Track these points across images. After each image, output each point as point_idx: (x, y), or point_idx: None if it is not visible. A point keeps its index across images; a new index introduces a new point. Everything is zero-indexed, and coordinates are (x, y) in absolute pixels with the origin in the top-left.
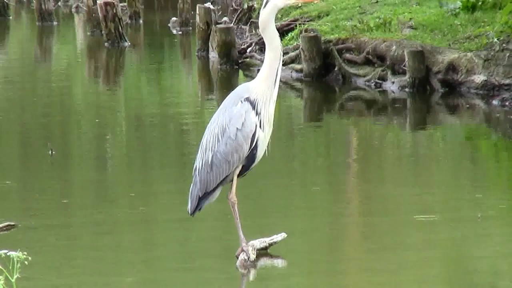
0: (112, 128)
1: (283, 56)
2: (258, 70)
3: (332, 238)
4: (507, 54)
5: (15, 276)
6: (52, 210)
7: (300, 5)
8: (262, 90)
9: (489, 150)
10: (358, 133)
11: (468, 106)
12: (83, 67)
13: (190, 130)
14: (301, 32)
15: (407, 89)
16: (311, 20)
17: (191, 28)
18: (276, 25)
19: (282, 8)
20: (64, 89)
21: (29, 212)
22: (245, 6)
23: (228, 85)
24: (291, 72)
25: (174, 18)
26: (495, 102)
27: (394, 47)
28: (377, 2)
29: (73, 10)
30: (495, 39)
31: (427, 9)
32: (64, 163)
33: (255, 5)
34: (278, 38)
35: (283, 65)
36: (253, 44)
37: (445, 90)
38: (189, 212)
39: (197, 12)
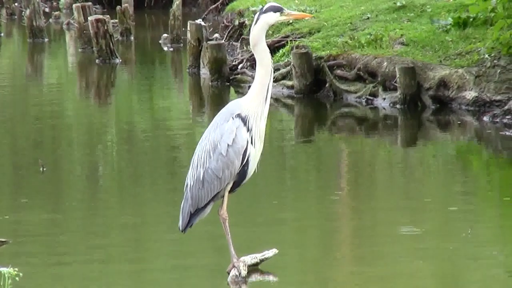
0: (103, 145)
1: (274, 72)
2: (249, 86)
3: (323, 255)
4: (498, 71)
5: None
6: (43, 226)
7: (291, 21)
8: (253, 107)
9: (480, 166)
10: (349, 150)
11: (459, 122)
12: (74, 83)
13: (181, 147)
14: (292, 48)
15: (398, 106)
16: (302, 37)
17: (182, 44)
18: (267, 42)
19: (273, 25)
20: (55, 106)
21: (20, 228)
22: (236, 22)
23: (219, 101)
24: (282, 88)
25: (165, 35)
26: (486, 118)
27: (385, 63)
28: (368, 18)
29: (64, 27)
30: (486, 56)
31: (418, 26)
32: (55, 179)
33: (246, 22)
34: (269, 55)
35: (274, 81)
36: (244, 61)
37: (436, 107)
38: (181, 228)
39: (188, 28)
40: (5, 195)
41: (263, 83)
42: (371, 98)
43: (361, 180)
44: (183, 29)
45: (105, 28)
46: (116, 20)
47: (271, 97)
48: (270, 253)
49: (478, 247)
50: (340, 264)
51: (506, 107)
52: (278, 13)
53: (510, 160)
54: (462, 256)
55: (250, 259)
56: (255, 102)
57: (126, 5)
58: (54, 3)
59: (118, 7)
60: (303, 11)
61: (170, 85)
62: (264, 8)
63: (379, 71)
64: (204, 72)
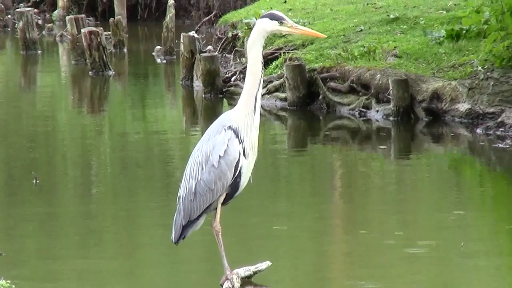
0: (96, 157)
1: (267, 85)
2: None
3: (317, 267)
4: (491, 83)
5: None
6: (36, 239)
7: (283, 34)
8: (242, 118)
9: (473, 178)
10: (342, 162)
11: (452, 134)
12: (67, 96)
13: (174, 159)
14: (285, 60)
15: (391, 118)
16: (295, 49)
17: (175, 57)
18: None
19: (275, 34)
20: (49, 118)
21: (14, 241)
22: (230, 35)
23: (212, 113)
24: (276, 100)
25: (158, 47)
26: (479, 130)
27: (378, 75)
28: (361, 30)
29: (58, 39)
30: (480, 68)
31: (411, 38)
32: (48, 192)
33: (239, 34)
34: (260, 64)
35: (267, 94)
36: (238, 73)
37: (429, 119)
38: (173, 240)
39: (182, 40)
40: None
41: (251, 92)
42: (364, 110)
43: (354, 193)
44: (176, 41)
45: (98, 40)
46: (109, 32)
47: (264, 109)
48: (263, 265)
49: (471, 259)
50: (334, 277)
51: (499, 120)
52: (276, 22)
53: (503, 173)
54: (456, 268)
55: (244, 271)
56: (243, 113)
57: (119, 17)
58: (47, 15)
59: (111, 19)
60: (296, 23)
61: (163, 97)
62: (263, 15)
63: (372, 83)
64: (197, 84)
